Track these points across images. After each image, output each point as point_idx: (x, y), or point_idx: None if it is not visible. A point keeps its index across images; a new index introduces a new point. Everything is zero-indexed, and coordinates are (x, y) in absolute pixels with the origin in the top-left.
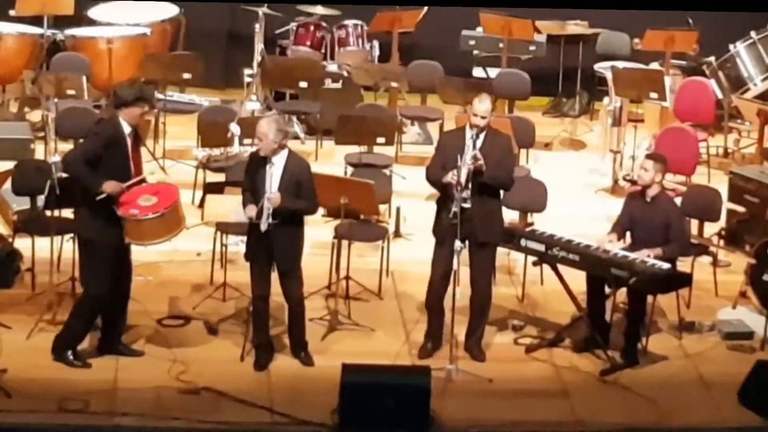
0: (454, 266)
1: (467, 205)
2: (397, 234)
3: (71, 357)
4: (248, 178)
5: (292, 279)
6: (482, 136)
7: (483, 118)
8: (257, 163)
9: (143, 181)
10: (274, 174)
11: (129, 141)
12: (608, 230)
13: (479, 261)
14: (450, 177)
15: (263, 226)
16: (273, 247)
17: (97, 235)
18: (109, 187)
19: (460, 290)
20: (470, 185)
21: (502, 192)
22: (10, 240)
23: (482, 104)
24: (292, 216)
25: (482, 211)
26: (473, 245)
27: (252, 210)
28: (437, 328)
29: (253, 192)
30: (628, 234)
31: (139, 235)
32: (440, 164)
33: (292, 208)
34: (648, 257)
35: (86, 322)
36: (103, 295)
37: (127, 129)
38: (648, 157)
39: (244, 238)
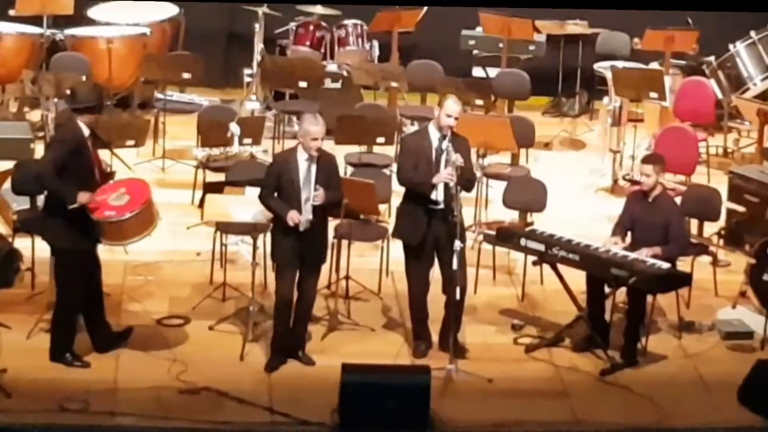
0: (454, 266)
1: (441, 207)
2: None
3: (70, 358)
4: (274, 181)
5: (316, 276)
6: (448, 137)
7: (456, 118)
8: (286, 164)
9: (111, 175)
10: (311, 171)
11: (90, 143)
12: (610, 230)
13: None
14: (445, 176)
15: (304, 226)
16: (310, 245)
17: (72, 244)
18: (83, 198)
19: (459, 290)
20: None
21: None
22: (10, 240)
23: (457, 105)
24: (324, 211)
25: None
26: (447, 246)
27: (297, 215)
28: (425, 329)
29: (289, 193)
30: (628, 234)
31: (119, 235)
32: (412, 166)
33: (331, 201)
34: (646, 256)
35: (69, 324)
36: (78, 298)
37: (86, 132)
38: (645, 161)
39: (245, 238)
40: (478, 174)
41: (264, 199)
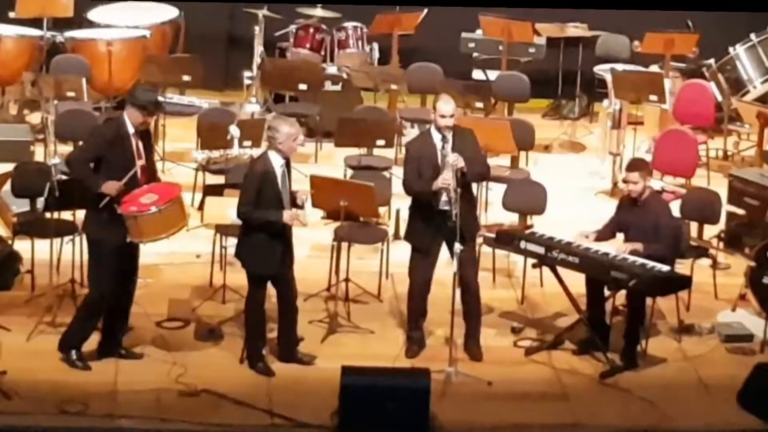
0: (454, 268)
1: (448, 207)
2: (397, 236)
3: (74, 357)
4: (255, 195)
5: (293, 273)
6: (450, 136)
7: (451, 117)
8: (265, 174)
9: (144, 171)
10: (285, 173)
11: (134, 140)
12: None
13: (465, 258)
14: (441, 182)
15: (307, 220)
16: (288, 246)
17: (103, 235)
18: (107, 188)
19: (459, 292)
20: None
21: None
22: (10, 242)
23: (448, 105)
24: None
25: (463, 209)
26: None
27: (295, 212)
28: (418, 330)
29: (271, 201)
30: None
31: (139, 232)
32: (416, 174)
33: None
34: (625, 252)
35: (90, 321)
36: (106, 294)
37: (131, 129)
38: (630, 169)
39: None
40: None
41: (248, 215)
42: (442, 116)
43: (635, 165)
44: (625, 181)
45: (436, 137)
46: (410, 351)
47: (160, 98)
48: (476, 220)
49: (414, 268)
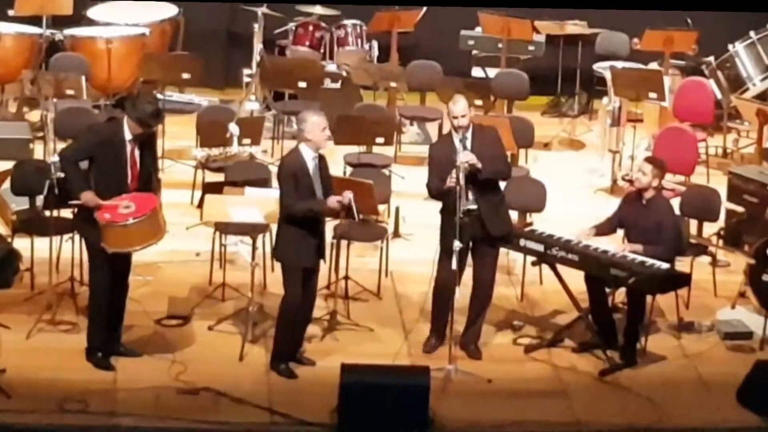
0: (453, 266)
1: (473, 207)
2: (396, 234)
3: (101, 358)
4: (293, 183)
5: (318, 274)
6: (469, 135)
7: (463, 117)
8: (298, 166)
9: (136, 178)
10: (317, 168)
11: (129, 146)
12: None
13: (486, 258)
14: (449, 182)
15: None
16: (321, 242)
17: (92, 234)
18: (85, 197)
19: (460, 290)
20: (471, 186)
21: (502, 185)
22: (9, 240)
23: (457, 105)
24: None
25: (488, 207)
26: (483, 243)
27: (335, 199)
28: (441, 326)
29: (304, 195)
30: (618, 232)
31: (108, 240)
32: (438, 176)
33: None
34: (625, 251)
35: (96, 320)
36: (104, 286)
37: (128, 135)
38: (647, 160)
39: (244, 238)
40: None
41: (293, 208)
42: (454, 117)
43: (653, 160)
44: (624, 179)
45: (456, 138)
46: (427, 345)
47: (161, 96)
48: (505, 219)
49: (439, 269)
